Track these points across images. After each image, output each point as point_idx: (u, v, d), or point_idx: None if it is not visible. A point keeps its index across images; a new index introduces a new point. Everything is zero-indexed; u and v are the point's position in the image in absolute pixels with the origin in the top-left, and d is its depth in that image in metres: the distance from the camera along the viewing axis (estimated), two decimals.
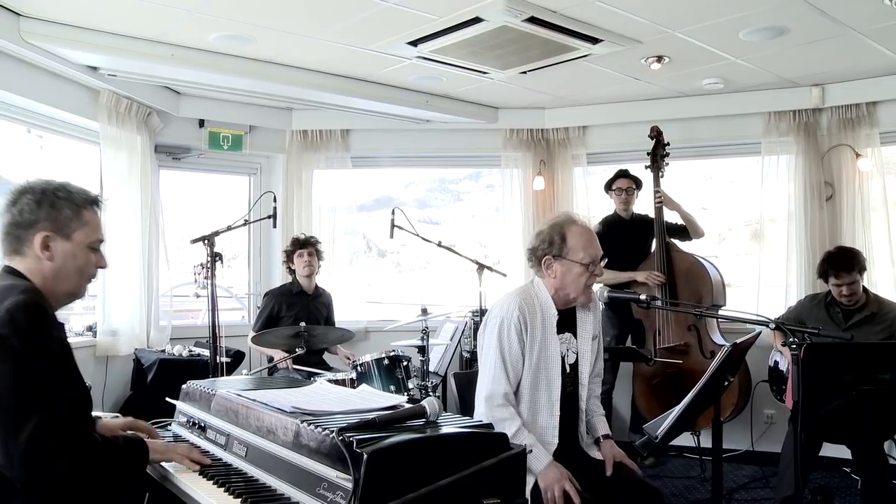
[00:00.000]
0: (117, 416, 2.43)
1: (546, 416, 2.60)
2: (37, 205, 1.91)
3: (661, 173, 5.05)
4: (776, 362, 4.45)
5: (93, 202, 2.01)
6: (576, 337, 2.72)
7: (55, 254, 1.92)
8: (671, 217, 5.11)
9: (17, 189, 1.95)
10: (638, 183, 5.21)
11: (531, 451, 2.41)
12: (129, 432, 2.16)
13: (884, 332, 3.90)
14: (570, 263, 2.61)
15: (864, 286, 4.02)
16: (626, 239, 5.01)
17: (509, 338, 2.58)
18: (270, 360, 4.76)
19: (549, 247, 2.64)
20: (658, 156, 5.06)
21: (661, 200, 5.00)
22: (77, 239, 1.95)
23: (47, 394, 1.71)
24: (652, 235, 5.09)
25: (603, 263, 2.69)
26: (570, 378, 2.68)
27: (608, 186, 5.27)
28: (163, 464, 2.10)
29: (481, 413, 2.56)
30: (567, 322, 2.71)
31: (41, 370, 1.72)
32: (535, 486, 2.45)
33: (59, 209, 1.93)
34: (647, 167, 5.10)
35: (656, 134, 5.08)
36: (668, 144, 5.07)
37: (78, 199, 1.97)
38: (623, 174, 5.22)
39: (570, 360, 2.68)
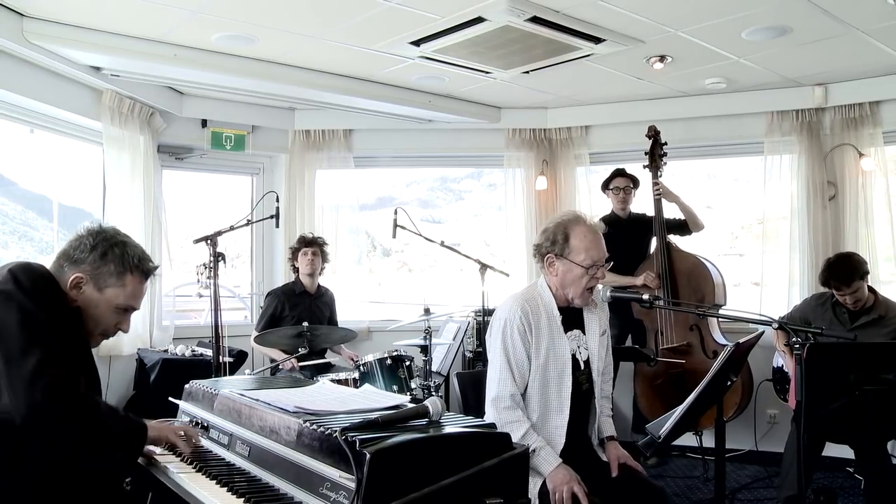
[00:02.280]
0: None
1: (556, 416, 2.60)
2: (91, 249, 2.00)
3: (659, 173, 5.04)
4: (781, 365, 4.45)
5: (143, 272, 2.07)
6: (584, 333, 2.72)
7: (80, 296, 1.98)
8: (670, 212, 5.09)
9: (88, 227, 2.05)
10: (635, 182, 5.20)
11: (536, 451, 2.42)
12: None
13: (890, 335, 3.87)
14: (570, 264, 2.61)
15: (870, 286, 4.00)
16: (624, 239, 4.99)
17: (513, 339, 2.58)
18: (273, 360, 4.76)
19: (552, 245, 2.64)
20: (656, 155, 5.04)
21: (660, 192, 4.99)
22: (107, 294, 2.01)
23: (51, 336, 1.79)
24: (650, 234, 5.08)
25: (608, 267, 2.69)
26: (585, 375, 2.68)
27: (605, 185, 5.26)
28: (165, 463, 2.11)
29: (490, 416, 2.56)
30: (574, 319, 2.71)
31: (44, 319, 1.80)
32: (543, 487, 2.45)
33: (106, 262, 2.00)
34: (644, 167, 5.09)
35: (654, 133, 5.07)
36: (666, 144, 5.06)
37: (128, 262, 2.03)
38: (620, 173, 5.22)
39: (583, 356, 2.68)
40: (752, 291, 5.36)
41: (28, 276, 1.84)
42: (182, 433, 2.16)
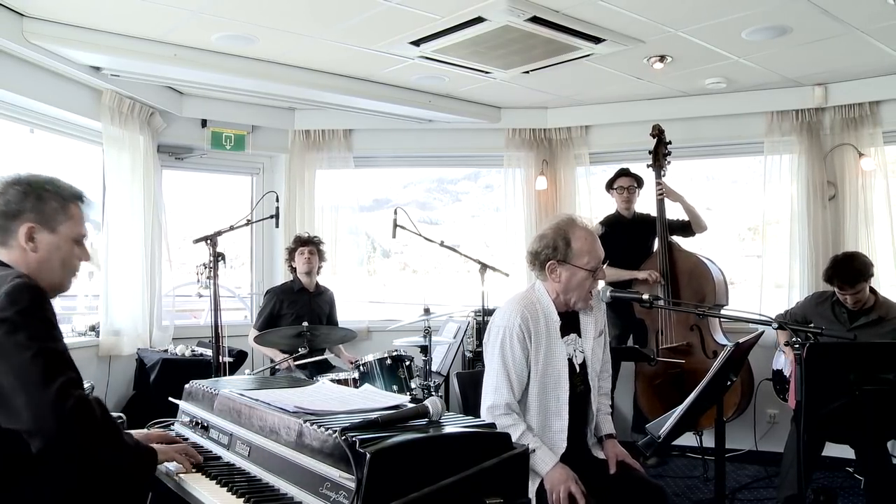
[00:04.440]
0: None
1: (555, 421, 2.59)
2: (23, 196, 1.92)
3: (662, 172, 5.04)
4: (780, 368, 4.45)
5: (79, 197, 2.02)
6: (580, 336, 2.71)
7: (39, 245, 1.92)
8: (673, 213, 5.09)
9: (4, 180, 1.96)
10: (639, 181, 5.20)
11: (534, 451, 2.42)
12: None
13: (889, 335, 3.87)
14: (574, 268, 2.59)
15: (871, 287, 3.99)
16: (628, 238, 5.01)
17: (512, 347, 2.56)
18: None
19: (554, 251, 2.61)
20: (660, 155, 5.04)
21: (663, 192, 4.98)
22: (62, 232, 1.95)
23: (67, 360, 1.74)
24: (654, 235, 5.07)
25: (605, 266, 2.69)
26: (580, 378, 2.67)
27: (609, 185, 5.26)
28: (165, 464, 2.11)
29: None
30: (571, 323, 2.70)
31: (56, 339, 1.76)
32: (541, 486, 2.45)
33: (46, 202, 1.94)
34: (648, 166, 5.09)
35: (658, 133, 5.07)
36: (670, 143, 5.07)
37: (65, 193, 1.98)
38: (624, 173, 5.22)
39: (578, 360, 2.68)
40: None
41: (26, 296, 1.75)
42: (183, 453, 2.12)
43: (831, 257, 4.10)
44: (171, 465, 2.09)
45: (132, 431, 2.36)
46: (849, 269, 3.87)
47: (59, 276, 1.99)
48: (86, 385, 3.55)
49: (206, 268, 3.99)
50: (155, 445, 2.07)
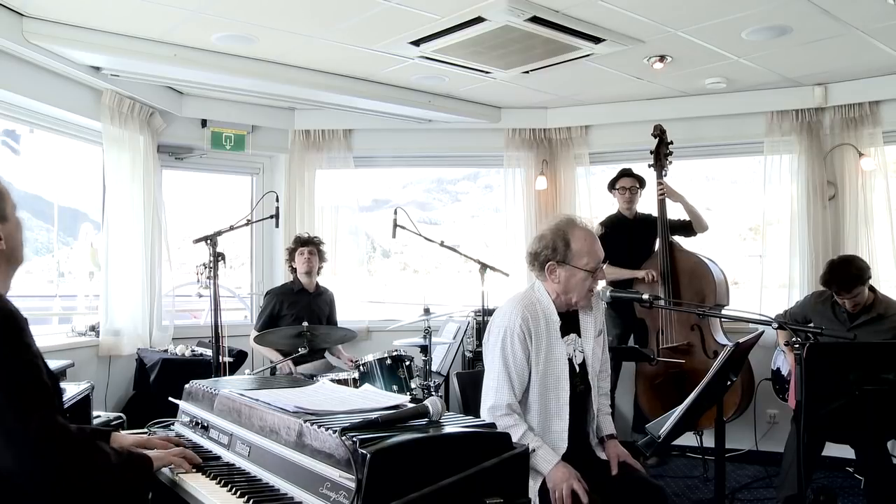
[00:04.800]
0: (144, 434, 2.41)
1: (556, 421, 2.58)
2: None
3: (664, 172, 5.04)
4: (778, 367, 4.45)
5: None
6: (580, 336, 2.71)
7: (6, 240, 1.86)
8: (674, 213, 5.09)
9: None
10: (641, 182, 5.20)
11: (535, 451, 2.42)
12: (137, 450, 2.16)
13: (889, 333, 3.87)
14: (573, 269, 2.59)
15: (871, 286, 3.99)
16: (629, 238, 5.01)
17: (513, 348, 2.56)
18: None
19: (553, 252, 2.60)
20: (661, 154, 5.04)
21: (664, 192, 4.98)
22: (10, 213, 1.89)
23: (43, 391, 1.70)
24: (655, 235, 5.07)
25: (604, 266, 2.68)
26: (580, 378, 2.67)
27: (611, 185, 5.26)
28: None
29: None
30: (570, 323, 2.70)
31: (29, 369, 1.70)
32: (543, 485, 2.45)
33: None
34: (650, 166, 5.09)
35: (659, 132, 5.07)
36: (672, 143, 5.06)
37: None
38: (626, 173, 5.21)
39: (578, 360, 2.67)
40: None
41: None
42: (182, 456, 2.10)
43: (827, 262, 4.07)
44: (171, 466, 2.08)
45: (131, 432, 2.37)
46: (845, 275, 3.85)
47: (22, 254, 1.94)
48: (85, 385, 3.58)
49: (206, 268, 3.99)
50: (151, 451, 2.05)
